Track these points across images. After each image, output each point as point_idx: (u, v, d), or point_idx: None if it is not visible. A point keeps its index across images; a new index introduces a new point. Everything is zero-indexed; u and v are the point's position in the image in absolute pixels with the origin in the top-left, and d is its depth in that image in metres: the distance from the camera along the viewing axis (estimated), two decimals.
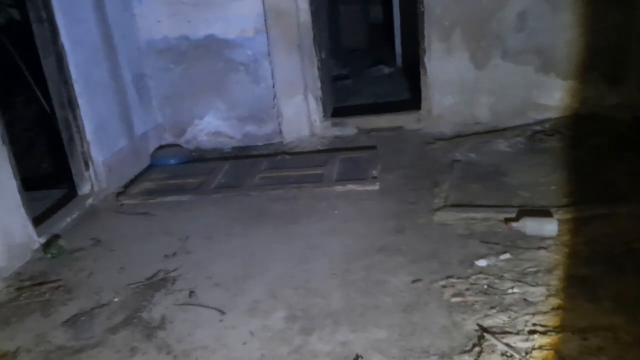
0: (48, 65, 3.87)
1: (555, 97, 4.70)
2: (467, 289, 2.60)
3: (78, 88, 3.98)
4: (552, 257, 2.78)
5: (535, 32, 4.57)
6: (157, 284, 2.95)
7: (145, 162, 4.85)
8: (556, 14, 4.51)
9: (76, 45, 3.95)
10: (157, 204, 4.03)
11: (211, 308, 2.68)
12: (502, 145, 4.40)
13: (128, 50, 4.71)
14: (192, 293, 2.82)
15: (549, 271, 2.66)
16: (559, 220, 3.02)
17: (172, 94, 5.14)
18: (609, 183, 3.51)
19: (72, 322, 2.69)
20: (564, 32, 4.54)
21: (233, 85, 5.09)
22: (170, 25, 4.93)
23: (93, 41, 4.22)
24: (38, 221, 3.60)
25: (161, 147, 5.11)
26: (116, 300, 2.85)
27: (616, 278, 2.54)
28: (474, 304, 2.48)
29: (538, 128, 4.58)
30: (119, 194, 4.20)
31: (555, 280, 2.59)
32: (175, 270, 3.07)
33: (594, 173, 3.69)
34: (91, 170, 4.14)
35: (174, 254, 3.26)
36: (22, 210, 3.37)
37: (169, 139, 5.26)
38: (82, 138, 4.06)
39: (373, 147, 4.67)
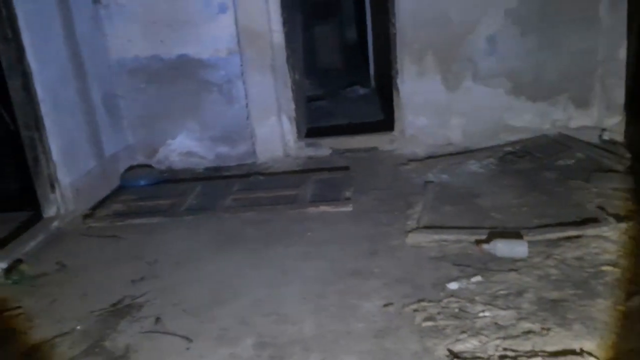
0: (13, 85, 3.78)
1: (525, 118, 4.78)
2: (439, 313, 2.57)
3: (44, 108, 3.89)
4: (522, 279, 2.78)
5: (505, 56, 4.65)
6: (123, 310, 2.86)
7: (115, 183, 4.76)
8: (525, 38, 4.61)
9: (43, 64, 3.87)
10: (125, 226, 3.94)
11: (178, 335, 2.60)
12: (474, 166, 4.43)
13: (98, 70, 4.64)
14: (158, 320, 2.74)
15: (520, 294, 2.66)
16: (530, 242, 3.03)
17: (143, 113, 5.08)
18: (578, 204, 3.55)
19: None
20: (532, 56, 4.63)
21: (206, 105, 5.05)
22: (143, 44, 4.89)
23: (61, 60, 4.14)
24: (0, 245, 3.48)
25: (131, 168, 5.02)
26: (78, 328, 2.74)
27: (586, 301, 2.54)
28: (445, 328, 2.46)
29: (509, 149, 4.64)
30: (86, 216, 4.10)
31: (525, 303, 2.58)
32: (141, 295, 2.98)
33: (564, 194, 3.74)
34: (57, 192, 4.03)
35: (141, 279, 3.17)
36: None
37: (139, 159, 5.17)
38: (48, 159, 3.96)
39: (347, 168, 4.67)
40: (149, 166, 5.12)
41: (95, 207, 4.29)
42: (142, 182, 4.76)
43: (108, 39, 4.85)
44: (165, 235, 3.76)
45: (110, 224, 3.97)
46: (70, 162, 4.14)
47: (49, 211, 4.03)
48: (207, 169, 5.15)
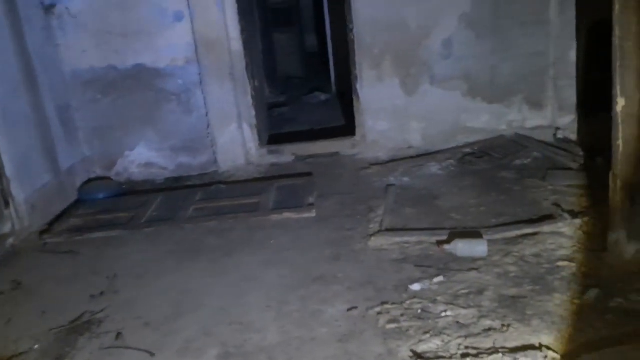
0: None
1: (482, 120, 4.89)
2: (402, 314, 2.60)
3: None
4: (482, 277, 2.83)
5: (460, 59, 4.76)
6: (82, 327, 2.78)
7: (72, 197, 4.64)
8: (479, 41, 4.72)
9: None
10: (83, 241, 3.84)
11: (139, 350, 2.54)
12: (434, 168, 4.51)
13: (51, 82, 4.53)
14: (119, 335, 2.67)
15: (480, 292, 2.71)
16: (489, 241, 3.09)
17: (100, 125, 4.98)
18: (535, 202, 3.64)
19: None
20: (487, 59, 4.75)
21: (165, 115, 4.98)
22: (97, 55, 4.80)
23: (12, 73, 4.03)
24: None
25: (89, 181, 4.91)
26: (36, 347, 2.66)
27: (544, 296, 2.60)
28: (408, 330, 2.48)
29: (468, 150, 4.74)
30: (42, 232, 3.99)
31: (486, 301, 2.63)
32: (101, 311, 2.91)
33: (521, 193, 3.83)
34: (11, 208, 3.90)
35: (101, 294, 3.09)
36: None
37: (97, 171, 5.06)
38: (1, 174, 3.84)
39: (309, 174, 4.68)
40: (108, 179, 5.02)
41: (52, 223, 4.17)
42: (101, 195, 4.65)
43: (61, 50, 4.75)
44: (126, 248, 3.68)
45: (68, 239, 3.87)
46: (25, 177, 4.02)
47: (4, 228, 3.90)
48: (168, 179, 5.08)
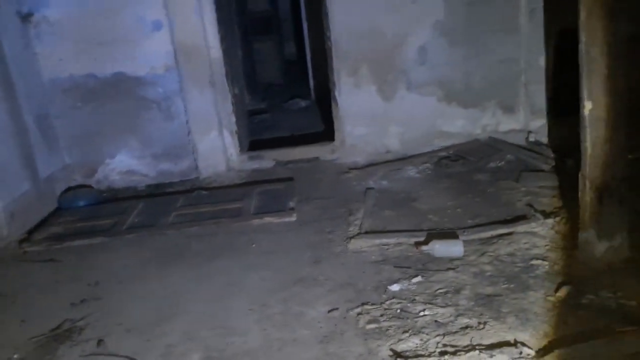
0: None
1: (457, 124, 4.99)
2: (382, 315, 2.65)
3: None
4: (459, 277, 2.91)
5: (435, 65, 4.85)
6: (62, 335, 2.78)
7: (52, 205, 4.61)
8: (453, 48, 4.83)
9: None
10: (64, 248, 3.83)
11: (121, 356, 2.55)
12: (411, 171, 4.59)
13: (30, 90, 4.51)
14: (100, 342, 2.68)
15: (457, 291, 2.78)
16: (465, 241, 3.18)
17: (80, 133, 4.96)
18: (509, 203, 3.74)
19: None
20: (461, 65, 4.86)
21: (145, 122, 4.99)
22: (76, 63, 4.79)
23: None
24: None
25: (69, 189, 4.88)
26: (15, 356, 2.65)
27: (518, 294, 2.68)
28: (388, 329, 2.53)
29: (444, 154, 4.83)
30: (22, 241, 3.96)
31: (463, 299, 2.70)
32: (82, 318, 2.91)
33: (495, 194, 3.93)
34: None
35: (82, 301, 3.09)
36: None
37: (78, 179, 5.04)
38: None
39: (290, 179, 4.72)
40: (88, 186, 5.00)
41: (31, 231, 4.15)
42: (81, 203, 4.63)
43: (39, 59, 4.73)
44: (107, 255, 3.68)
45: (48, 248, 3.85)
46: (3, 186, 4.00)
47: None
48: (149, 186, 5.08)
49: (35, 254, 3.82)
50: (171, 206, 4.35)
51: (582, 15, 2.61)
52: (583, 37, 2.63)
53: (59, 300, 3.14)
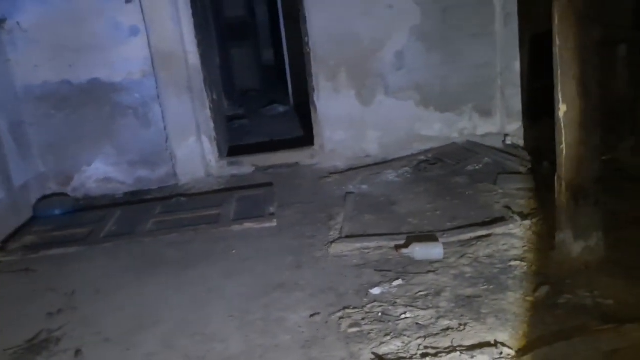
0: None
1: (435, 128, 5.04)
2: (363, 318, 2.66)
3: None
4: (439, 279, 2.93)
5: (412, 70, 4.90)
6: (39, 345, 2.72)
7: (27, 214, 4.52)
8: (430, 53, 4.88)
9: None
10: (39, 258, 3.75)
11: None
12: (390, 175, 4.62)
13: (2, 97, 4.43)
14: (78, 352, 2.63)
15: (438, 293, 2.80)
16: (445, 244, 3.20)
17: (55, 140, 4.88)
18: (487, 205, 3.78)
19: None
20: (438, 69, 4.91)
21: (122, 129, 4.93)
22: (50, 69, 4.71)
23: None
24: None
25: (45, 197, 4.80)
26: None
27: (498, 295, 2.71)
28: (369, 333, 2.54)
29: (422, 158, 4.87)
30: None
31: (443, 301, 2.72)
32: (59, 328, 2.86)
33: (473, 197, 3.97)
34: None
35: (59, 311, 3.03)
36: None
37: (53, 187, 4.94)
38: None
39: (269, 184, 4.71)
40: (64, 195, 4.91)
41: (5, 241, 4.05)
42: (57, 212, 4.55)
43: (12, 65, 4.64)
44: (83, 264, 3.62)
45: (23, 257, 3.77)
46: None
47: None
48: (126, 194, 5.00)
49: (10, 264, 3.73)
50: (149, 213, 4.30)
51: (556, 20, 2.67)
52: (557, 42, 2.69)
53: (35, 310, 3.07)
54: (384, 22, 4.81)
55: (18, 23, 4.59)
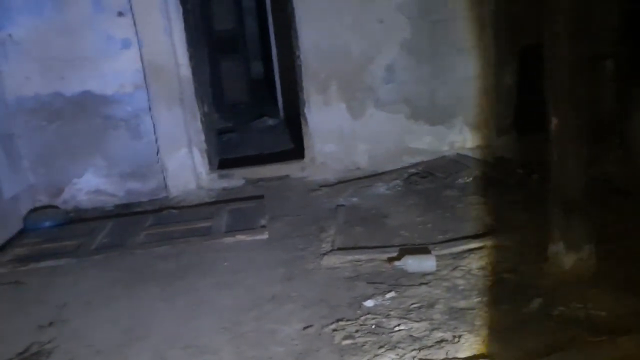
0: None
1: (425, 141, 5.06)
2: (357, 330, 2.66)
3: None
4: (432, 291, 2.94)
5: (403, 83, 4.94)
6: (30, 358, 2.69)
7: (17, 227, 4.47)
8: (420, 66, 4.92)
9: None
10: (29, 270, 3.71)
11: None
12: (381, 188, 4.63)
13: None
14: None
15: (431, 305, 2.81)
16: (437, 256, 3.22)
17: (46, 152, 4.84)
18: (478, 218, 3.81)
19: None
20: (428, 83, 4.95)
21: (113, 141, 4.91)
22: (42, 81, 4.69)
23: None
24: None
25: (35, 209, 4.76)
26: None
27: (491, 307, 2.72)
28: (363, 345, 2.54)
29: (413, 170, 4.90)
30: None
31: (437, 313, 2.73)
32: (50, 341, 2.83)
33: (464, 210, 4.00)
34: None
35: (50, 324, 3.00)
36: None
37: (43, 200, 4.90)
38: None
39: (260, 197, 4.70)
40: (55, 207, 4.87)
41: None
42: (47, 224, 4.50)
43: (3, 77, 4.62)
44: (74, 276, 3.59)
45: (13, 270, 3.73)
46: None
47: None
48: (117, 206, 4.97)
49: (0, 276, 3.70)
50: (140, 226, 4.28)
51: (547, 36, 2.72)
52: (548, 57, 2.74)
53: (25, 323, 3.04)
54: (374, 36, 4.86)
55: (10, 35, 4.58)
